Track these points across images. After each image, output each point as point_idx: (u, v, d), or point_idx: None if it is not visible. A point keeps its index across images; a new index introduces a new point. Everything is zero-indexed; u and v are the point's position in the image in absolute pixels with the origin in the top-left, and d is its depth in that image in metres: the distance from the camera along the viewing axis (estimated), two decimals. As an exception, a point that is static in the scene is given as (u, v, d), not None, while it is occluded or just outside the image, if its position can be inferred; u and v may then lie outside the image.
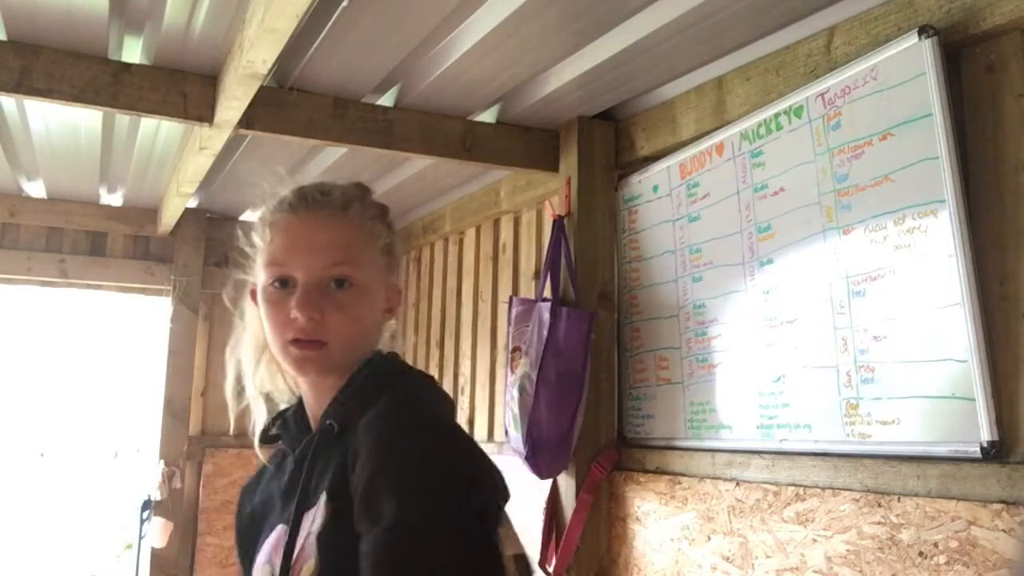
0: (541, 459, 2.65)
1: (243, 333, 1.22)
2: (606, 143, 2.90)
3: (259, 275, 1.13)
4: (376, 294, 1.14)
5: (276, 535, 1.10)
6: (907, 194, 1.84)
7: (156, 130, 3.16)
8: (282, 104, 2.69)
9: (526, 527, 3.01)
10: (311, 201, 1.14)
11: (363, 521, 0.95)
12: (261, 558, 1.11)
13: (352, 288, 1.10)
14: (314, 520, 1.02)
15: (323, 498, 1.02)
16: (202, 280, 4.42)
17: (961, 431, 1.70)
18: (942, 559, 1.70)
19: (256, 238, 1.16)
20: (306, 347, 1.07)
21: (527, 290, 3.37)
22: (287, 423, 1.20)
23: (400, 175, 3.65)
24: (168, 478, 4.16)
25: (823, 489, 2.00)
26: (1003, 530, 1.60)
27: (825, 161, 2.06)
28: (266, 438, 1.20)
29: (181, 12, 2.26)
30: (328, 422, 1.10)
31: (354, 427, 1.04)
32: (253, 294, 1.17)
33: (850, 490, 1.93)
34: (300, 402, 1.19)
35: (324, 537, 0.99)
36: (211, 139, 2.76)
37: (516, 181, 3.42)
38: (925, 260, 1.79)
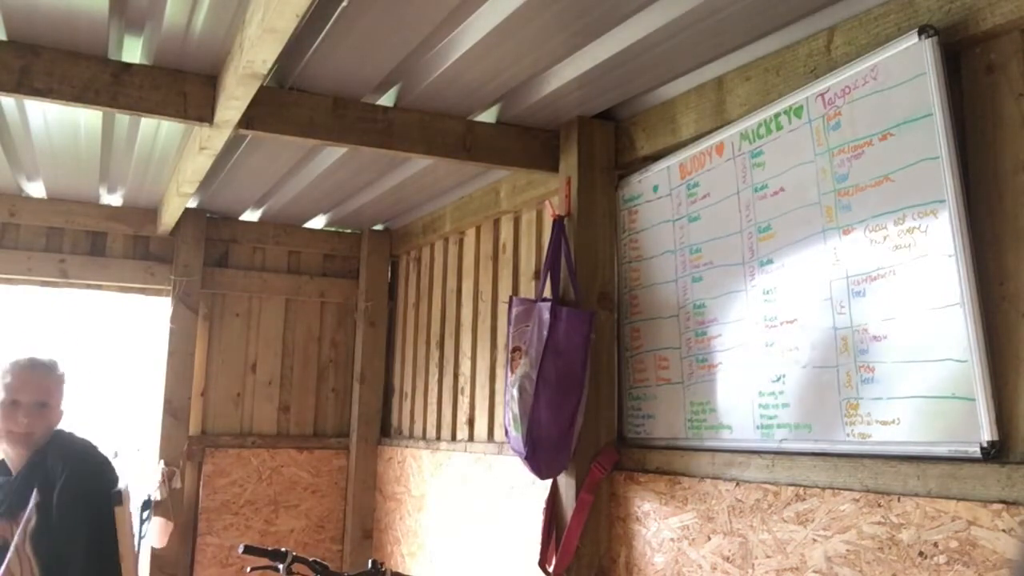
0: (541, 459, 2.65)
1: None
2: (606, 143, 2.90)
3: (2, 398, 2.42)
4: (56, 410, 2.44)
5: None
6: (907, 194, 1.84)
7: (156, 130, 3.16)
8: (282, 104, 2.69)
9: (526, 527, 3.01)
10: (31, 365, 2.36)
11: None
12: None
13: (47, 407, 2.40)
14: None
15: None
16: (202, 280, 4.42)
17: (961, 431, 1.70)
18: (942, 559, 1.70)
19: (4, 378, 2.38)
20: (22, 437, 2.40)
21: (527, 290, 3.37)
22: None
23: (400, 175, 3.65)
24: (168, 478, 4.16)
25: (823, 489, 2.00)
26: (1003, 530, 1.60)
27: (825, 161, 2.06)
28: None
29: (181, 12, 2.26)
30: None
31: None
32: None
33: (850, 490, 1.93)
34: None
35: None
36: (211, 139, 2.76)
37: (516, 181, 3.42)
38: (925, 260, 1.79)
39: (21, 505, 2.23)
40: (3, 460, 2.35)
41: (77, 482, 2.34)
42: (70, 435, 2.44)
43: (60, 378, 2.36)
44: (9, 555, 2.19)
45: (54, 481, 2.28)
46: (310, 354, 4.72)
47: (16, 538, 2.17)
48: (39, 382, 2.29)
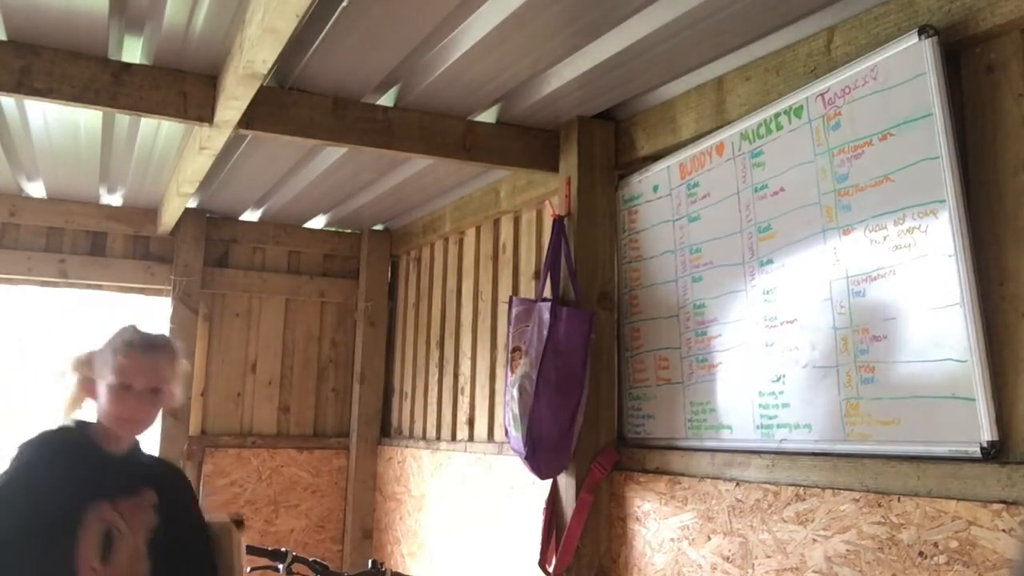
0: (541, 459, 2.65)
1: None
2: (606, 143, 2.90)
3: (106, 378, 1.95)
4: (170, 397, 2.07)
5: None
6: (907, 194, 1.84)
7: (156, 130, 3.16)
8: (282, 104, 2.69)
9: (526, 527, 3.01)
10: (144, 345, 2.00)
11: None
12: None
13: (160, 394, 2.02)
14: None
15: None
16: (202, 280, 4.42)
17: (961, 431, 1.70)
18: (942, 559, 1.70)
19: (108, 357, 1.96)
20: (132, 423, 2.02)
21: (527, 290, 3.37)
22: None
23: (400, 175, 3.65)
24: (168, 478, 4.16)
25: (823, 489, 2.00)
26: (1003, 530, 1.60)
27: (825, 161, 2.06)
28: None
29: (181, 12, 2.26)
30: None
31: None
32: (88, 387, 2.00)
33: (850, 490, 1.93)
34: None
35: None
36: (211, 139, 2.76)
37: (516, 181, 3.42)
38: (925, 260, 1.79)
39: (127, 492, 1.94)
40: (94, 433, 1.99)
41: (187, 492, 2.18)
42: None
43: (176, 360, 2.07)
44: (123, 549, 1.90)
45: (163, 483, 2.06)
46: (310, 354, 4.72)
47: (129, 532, 1.90)
48: (154, 367, 1.98)
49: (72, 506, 1.87)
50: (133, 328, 2.04)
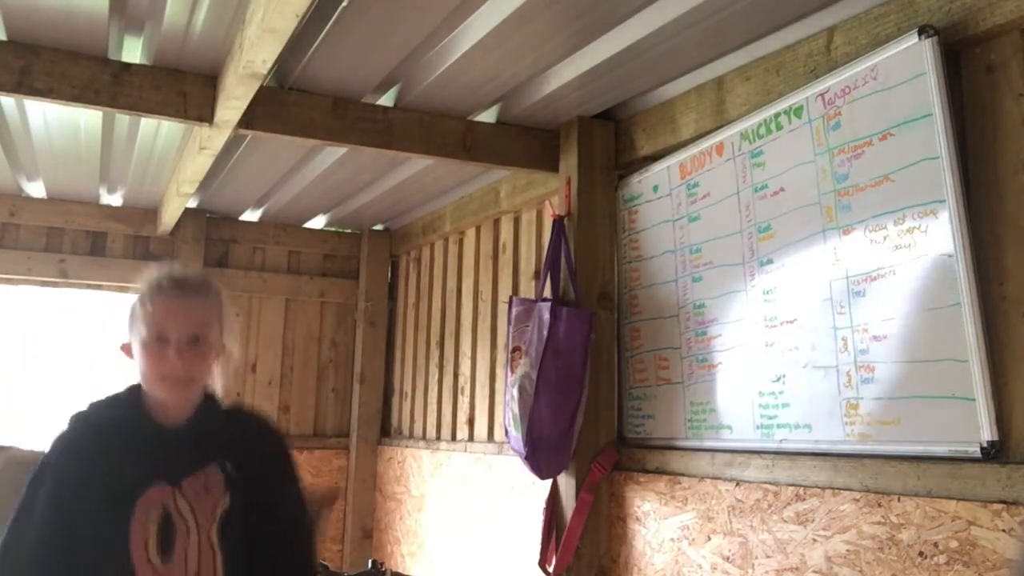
0: (541, 459, 2.65)
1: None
2: (606, 143, 2.90)
3: (139, 334, 1.64)
4: (216, 348, 1.69)
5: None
6: (907, 194, 1.84)
7: (156, 130, 3.16)
8: (282, 104, 2.69)
9: (526, 527, 3.01)
10: (179, 285, 1.67)
11: None
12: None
13: (204, 344, 1.67)
14: None
15: None
16: (202, 280, 4.42)
17: (961, 431, 1.70)
18: (942, 559, 1.70)
19: (140, 310, 1.66)
20: (177, 382, 1.64)
21: (527, 290, 3.37)
22: None
23: (400, 175, 3.65)
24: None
25: (823, 489, 2.00)
26: (1003, 530, 1.60)
27: (825, 161, 2.06)
28: None
29: (181, 12, 2.26)
30: None
31: None
32: (126, 349, 1.68)
33: (850, 490, 1.93)
34: None
35: None
36: (211, 139, 2.76)
37: (516, 181, 3.42)
38: (925, 260, 1.79)
39: (188, 470, 1.58)
40: (133, 402, 1.65)
41: (283, 462, 1.75)
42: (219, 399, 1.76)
43: (219, 302, 1.69)
44: (188, 540, 1.55)
45: (244, 451, 1.67)
46: (310, 354, 4.72)
47: (193, 518, 1.55)
48: (190, 310, 1.63)
49: (117, 495, 1.55)
50: (163, 268, 1.69)
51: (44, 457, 1.61)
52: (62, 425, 1.64)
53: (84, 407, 1.67)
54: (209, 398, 1.69)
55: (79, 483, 1.57)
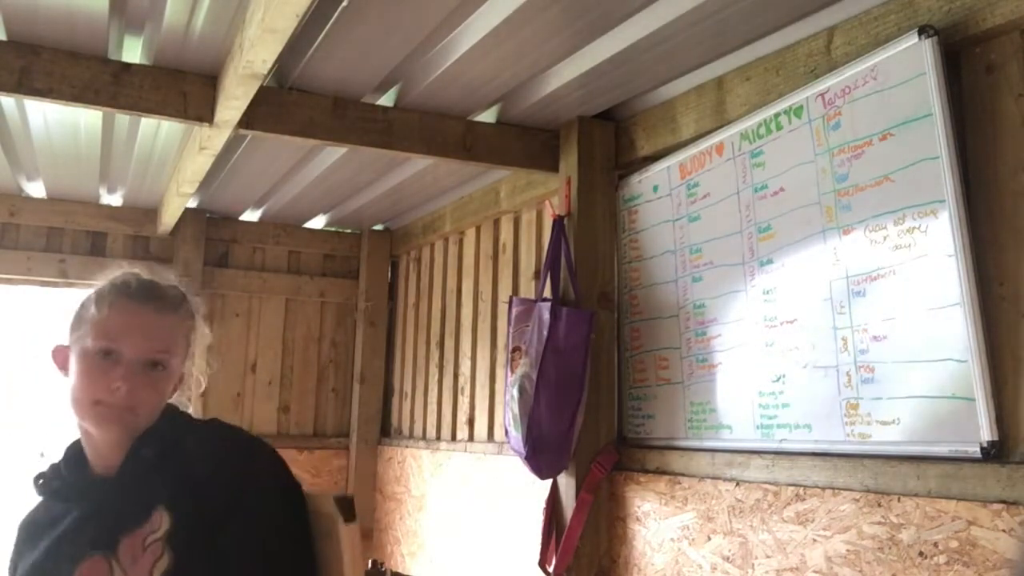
0: (541, 459, 2.65)
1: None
2: (606, 143, 2.90)
3: (83, 340, 1.31)
4: (174, 377, 1.38)
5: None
6: (907, 194, 1.84)
7: (156, 130, 3.16)
8: (282, 104, 2.69)
9: (526, 527, 3.01)
10: (149, 295, 1.36)
11: None
12: None
13: (163, 371, 1.34)
14: None
15: None
16: (202, 280, 4.42)
17: (961, 431, 1.70)
18: (942, 559, 1.70)
19: (90, 311, 1.33)
20: (117, 411, 1.30)
21: (527, 290, 3.37)
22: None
23: (400, 175, 3.65)
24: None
25: (823, 489, 2.00)
26: (1003, 530, 1.60)
27: (825, 161, 2.06)
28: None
29: (181, 12, 2.26)
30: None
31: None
32: (59, 356, 1.36)
33: (850, 490, 1.93)
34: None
35: None
36: (211, 139, 2.76)
37: (516, 181, 3.42)
38: (925, 260, 1.79)
39: (125, 527, 1.25)
40: (76, 451, 1.36)
41: (246, 488, 1.30)
42: (188, 416, 1.44)
43: (189, 322, 1.38)
44: None
45: (189, 486, 1.28)
46: (310, 354, 4.72)
47: None
48: (154, 328, 1.31)
49: (66, 566, 1.28)
50: (130, 272, 1.41)
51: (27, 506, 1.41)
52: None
53: (43, 470, 1.39)
54: (148, 432, 1.33)
55: (33, 548, 1.35)
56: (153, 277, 1.41)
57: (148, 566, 1.22)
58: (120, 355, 1.29)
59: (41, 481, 1.39)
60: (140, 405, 1.30)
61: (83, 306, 1.35)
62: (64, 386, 1.32)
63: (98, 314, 1.31)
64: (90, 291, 1.36)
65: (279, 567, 1.27)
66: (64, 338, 1.36)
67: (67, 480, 1.36)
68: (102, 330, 1.29)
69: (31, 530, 1.39)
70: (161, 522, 1.24)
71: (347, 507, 1.30)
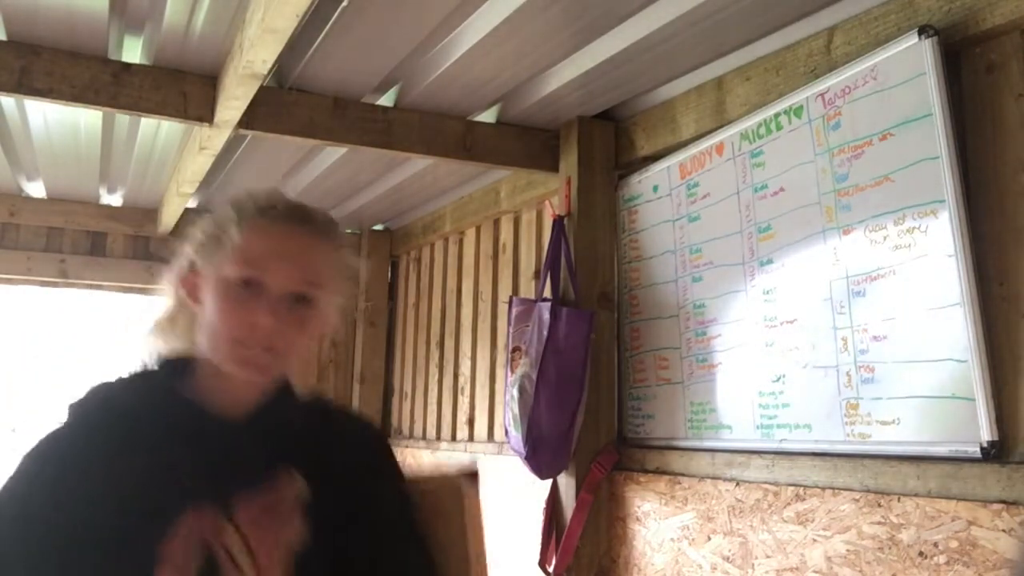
0: (541, 459, 2.65)
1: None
2: (606, 143, 2.90)
3: (219, 268, 1.12)
4: (324, 318, 1.18)
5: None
6: (907, 194, 1.84)
7: (156, 130, 3.16)
8: (282, 104, 2.69)
9: (526, 527, 3.01)
10: (301, 217, 1.16)
11: None
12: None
13: (311, 308, 1.14)
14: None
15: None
16: (202, 280, 4.41)
17: (961, 431, 1.70)
18: (942, 559, 1.70)
19: (231, 232, 1.12)
20: (258, 353, 1.10)
21: (527, 290, 3.37)
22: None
23: (400, 175, 3.65)
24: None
25: (823, 489, 2.00)
26: (1003, 530, 1.60)
27: (825, 161, 2.06)
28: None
29: (181, 12, 2.26)
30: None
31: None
32: (190, 285, 1.17)
33: (850, 490, 1.93)
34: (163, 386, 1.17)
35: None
36: (211, 139, 2.76)
37: (516, 181, 3.42)
38: (925, 260, 1.79)
39: (245, 484, 1.02)
40: (195, 383, 1.14)
41: (383, 460, 1.25)
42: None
43: (339, 249, 1.19)
44: None
45: (325, 454, 1.15)
46: (310, 354, 4.72)
47: (249, 557, 0.98)
48: (306, 255, 1.13)
49: (138, 517, 1.02)
50: (274, 191, 1.17)
51: (52, 431, 1.12)
52: (76, 396, 1.15)
53: (106, 381, 1.17)
54: (284, 385, 1.18)
55: (87, 484, 1.05)
56: (297, 202, 1.18)
57: (275, 533, 1.01)
58: (264, 286, 1.09)
59: (117, 391, 1.14)
60: (285, 346, 1.11)
61: (219, 226, 1.14)
62: (198, 315, 1.15)
63: (239, 237, 1.10)
64: (226, 209, 1.15)
65: (428, 547, 1.20)
66: (189, 262, 1.17)
67: (166, 407, 1.11)
68: (244, 256, 1.10)
69: (89, 436, 1.09)
70: (294, 486, 1.04)
71: (475, 480, 1.27)
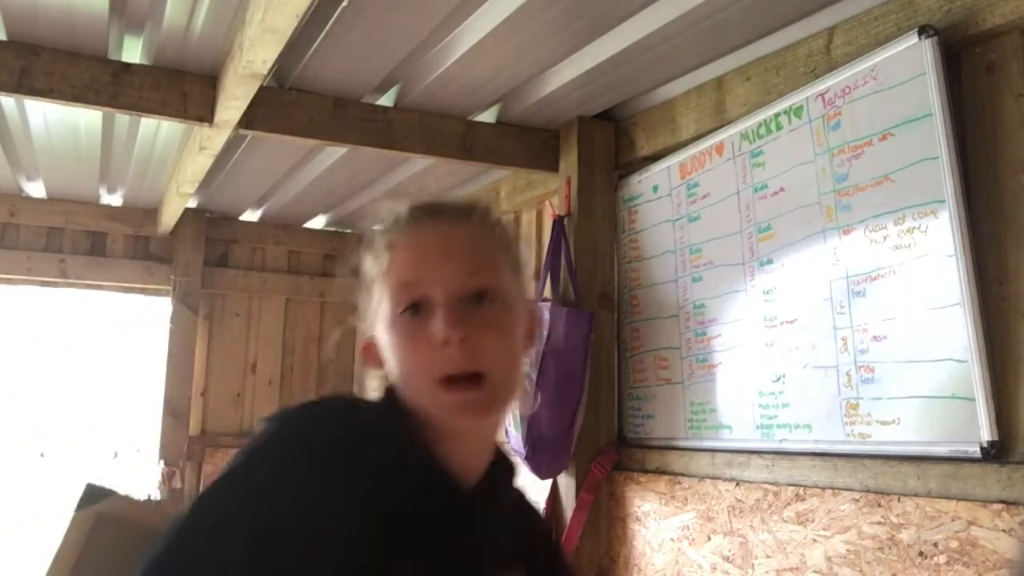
0: (541, 459, 2.65)
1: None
2: (606, 143, 2.90)
3: (381, 312, 0.91)
4: (519, 313, 0.93)
5: None
6: (907, 194, 1.84)
7: (156, 130, 3.16)
8: (282, 104, 2.69)
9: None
10: (431, 211, 0.95)
11: None
12: None
13: (497, 301, 0.89)
14: None
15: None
16: (202, 280, 4.42)
17: (961, 431, 1.70)
18: (942, 559, 1.70)
19: (372, 271, 0.94)
20: (464, 387, 0.85)
21: (527, 290, 3.36)
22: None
23: (400, 175, 3.64)
24: (168, 478, 4.16)
25: (823, 489, 2.00)
26: (1003, 530, 1.60)
27: (825, 161, 2.06)
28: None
29: (181, 12, 2.26)
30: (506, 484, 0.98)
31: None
32: (368, 350, 0.95)
33: (850, 490, 1.93)
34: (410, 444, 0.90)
35: None
36: (211, 139, 2.76)
37: (516, 181, 3.42)
38: (925, 260, 1.79)
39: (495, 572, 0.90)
40: (425, 448, 0.89)
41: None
42: None
43: (503, 236, 0.97)
44: None
45: (536, 536, 1.04)
46: (310, 354, 4.72)
47: None
48: (457, 242, 0.92)
49: None
50: (392, 202, 0.98)
51: (311, 439, 0.84)
52: (281, 428, 0.86)
53: (324, 412, 0.89)
54: (496, 444, 0.98)
55: (313, 546, 0.78)
56: (434, 197, 0.98)
57: None
58: (430, 300, 0.87)
59: (354, 431, 0.87)
60: (488, 360, 0.86)
61: (364, 274, 0.96)
62: (385, 377, 0.93)
63: (380, 267, 0.92)
64: (356, 260, 0.97)
65: None
66: (361, 330, 0.97)
67: (414, 467, 0.88)
68: (395, 281, 0.89)
69: (323, 486, 0.81)
70: None
71: None
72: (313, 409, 0.88)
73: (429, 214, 0.94)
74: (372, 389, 0.96)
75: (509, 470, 0.99)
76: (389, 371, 0.92)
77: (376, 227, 0.96)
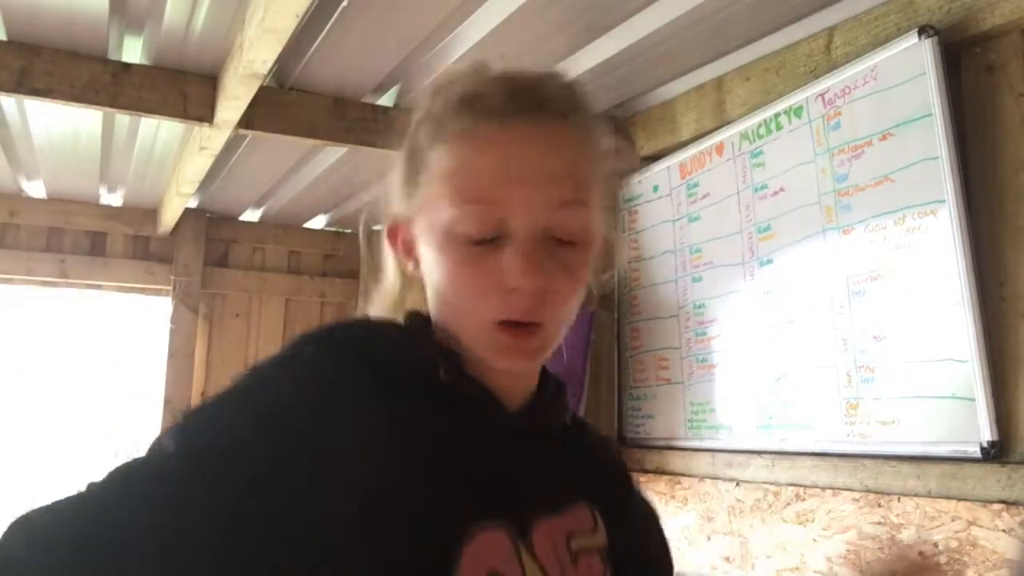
0: (541, 459, 2.65)
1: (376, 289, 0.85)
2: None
3: (432, 212, 0.74)
4: (595, 253, 0.80)
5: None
6: (907, 194, 1.84)
7: (156, 130, 3.16)
8: (282, 104, 2.69)
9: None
10: (529, 102, 0.73)
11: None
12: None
13: (579, 245, 0.75)
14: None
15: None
16: (202, 280, 4.42)
17: (961, 431, 1.70)
18: (942, 559, 1.70)
19: (430, 156, 0.75)
20: (519, 334, 0.74)
21: (527, 290, 3.37)
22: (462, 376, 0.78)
23: (400, 175, 3.64)
24: (168, 478, 4.15)
25: (823, 489, 2.00)
26: (1003, 530, 1.60)
27: (825, 161, 2.06)
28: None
29: (181, 12, 2.26)
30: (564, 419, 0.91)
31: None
32: (394, 233, 0.81)
33: (850, 490, 1.93)
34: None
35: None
36: (211, 139, 2.76)
37: (516, 181, 3.42)
38: (925, 260, 1.79)
39: (539, 508, 0.76)
40: (467, 370, 0.76)
41: (647, 507, 0.98)
42: None
43: (597, 142, 0.77)
44: None
45: (603, 488, 0.88)
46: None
47: None
48: (553, 159, 0.71)
49: (420, 531, 0.67)
50: (479, 64, 0.78)
51: (277, 382, 0.70)
52: (302, 349, 0.72)
53: (347, 328, 0.77)
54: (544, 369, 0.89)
55: (338, 469, 0.65)
56: (522, 70, 0.76)
57: None
58: (506, 228, 0.72)
59: (381, 346, 0.75)
60: (551, 308, 0.75)
61: (416, 149, 0.77)
62: (424, 277, 0.78)
63: (444, 161, 0.73)
64: (420, 111, 0.78)
65: None
66: (395, 205, 0.80)
67: (450, 386, 0.75)
68: (465, 191, 0.72)
69: (349, 403, 0.69)
70: (590, 523, 0.80)
71: None
72: (335, 329, 0.75)
73: (526, 106, 0.73)
74: (382, 292, 0.82)
75: (558, 393, 0.90)
76: (422, 274, 0.78)
77: (452, 89, 0.75)
